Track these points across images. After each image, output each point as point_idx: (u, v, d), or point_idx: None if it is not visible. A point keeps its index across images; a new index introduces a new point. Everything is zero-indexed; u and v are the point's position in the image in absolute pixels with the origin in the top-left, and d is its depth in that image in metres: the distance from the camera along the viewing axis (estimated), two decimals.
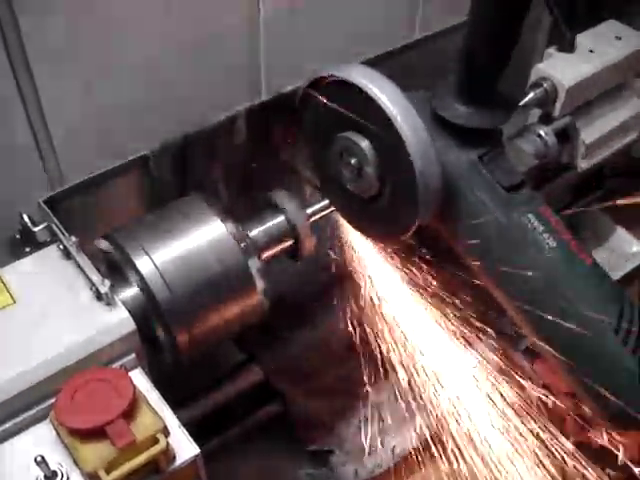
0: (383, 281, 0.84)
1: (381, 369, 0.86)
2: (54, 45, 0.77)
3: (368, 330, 0.85)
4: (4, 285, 0.70)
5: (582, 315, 0.67)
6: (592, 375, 0.68)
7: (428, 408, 0.84)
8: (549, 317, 0.68)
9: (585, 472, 0.78)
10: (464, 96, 0.69)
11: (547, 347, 0.71)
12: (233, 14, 0.90)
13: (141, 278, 0.73)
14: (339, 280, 0.88)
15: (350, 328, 0.86)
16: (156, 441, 0.61)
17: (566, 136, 1.05)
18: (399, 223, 0.72)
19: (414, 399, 0.85)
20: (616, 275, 1.16)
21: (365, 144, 0.70)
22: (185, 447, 0.64)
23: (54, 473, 0.61)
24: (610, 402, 0.68)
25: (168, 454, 0.62)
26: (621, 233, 1.23)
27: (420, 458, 0.90)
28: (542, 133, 1.02)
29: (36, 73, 0.78)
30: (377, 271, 0.84)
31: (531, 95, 0.99)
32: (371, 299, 0.84)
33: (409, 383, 0.84)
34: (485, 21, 0.65)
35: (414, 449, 0.92)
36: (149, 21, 0.83)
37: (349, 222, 0.82)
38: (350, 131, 0.71)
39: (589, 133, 1.05)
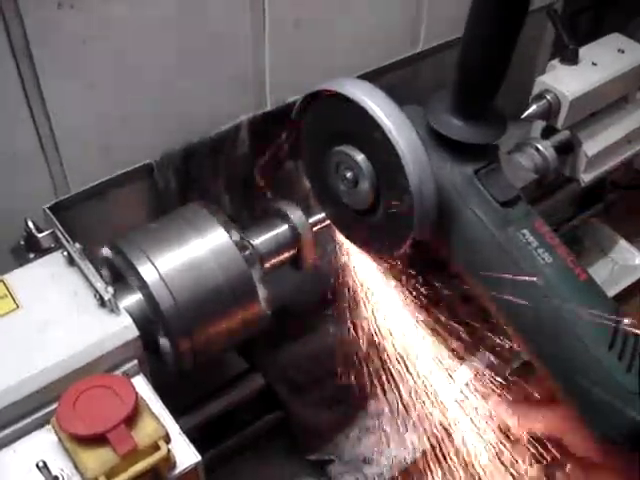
0: (381, 292, 0.84)
1: (382, 379, 0.86)
2: (61, 51, 0.78)
3: (369, 340, 0.85)
4: (8, 291, 0.71)
5: (576, 330, 0.67)
6: (587, 392, 0.67)
7: (428, 419, 0.84)
8: (543, 332, 0.68)
9: None
10: (460, 111, 0.68)
11: (541, 362, 0.71)
12: (238, 25, 0.91)
13: (144, 285, 0.73)
14: (341, 290, 0.88)
15: (352, 338, 0.86)
16: (157, 448, 0.61)
17: (568, 149, 1.05)
18: (394, 237, 0.72)
19: (414, 409, 0.85)
20: (619, 287, 1.16)
21: (361, 158, 0.70)
22: (186, 454, 0.64)
23: (55, 478, 0.61)
24: (607, 419, 0.67)
25: (169, 461, 0.63)
26: (624, 245, 1.23)
27: (420, 468, 0.90)
28: (541, 147, 1.01)
29: (42, 78, 0.79)
30: (375, 283, 0.84)
31: (534, 107, 0.99)
32: (371, 310, 0.84)
33: (409, 394, 0.84)
34: (479, 37, 0.64)
35: (414, 459, 0.92)
36: (154, 32, 0.84)
37: (344, 235, 0.82)
38: (346, 145, 0.71)
39: (592, 146, 1.05)
